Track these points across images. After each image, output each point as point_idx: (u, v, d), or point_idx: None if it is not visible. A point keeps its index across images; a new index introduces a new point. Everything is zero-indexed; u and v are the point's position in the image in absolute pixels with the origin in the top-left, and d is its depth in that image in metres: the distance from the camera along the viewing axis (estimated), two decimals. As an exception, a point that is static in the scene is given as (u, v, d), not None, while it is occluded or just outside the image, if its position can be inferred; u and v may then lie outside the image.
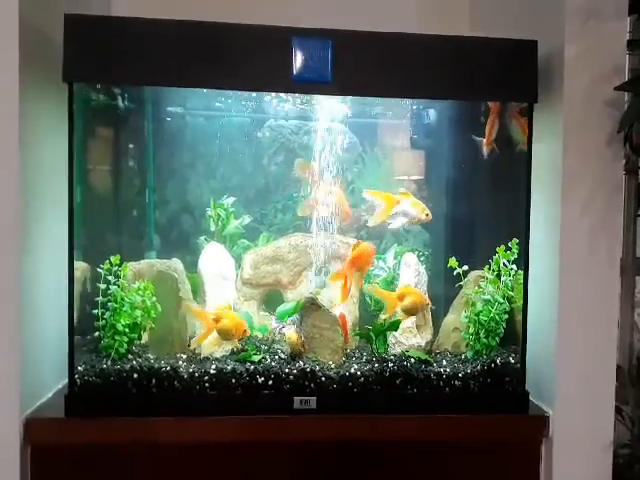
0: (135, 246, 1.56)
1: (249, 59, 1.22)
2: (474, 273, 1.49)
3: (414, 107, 1.53)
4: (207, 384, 1.29)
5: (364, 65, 1.25)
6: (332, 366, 1.35)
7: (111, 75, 1.23)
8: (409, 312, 1.41)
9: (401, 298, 1.41)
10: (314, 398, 1.31)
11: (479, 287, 1.44)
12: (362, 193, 1.52)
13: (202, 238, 1.53)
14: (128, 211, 1.59)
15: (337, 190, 1.52)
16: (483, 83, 1.31)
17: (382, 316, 1.43)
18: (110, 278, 1.32)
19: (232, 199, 1.56)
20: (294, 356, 1.37)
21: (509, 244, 1.40)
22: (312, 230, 1.54)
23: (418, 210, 1.48)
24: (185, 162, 1.59)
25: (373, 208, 1.51)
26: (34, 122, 1.27)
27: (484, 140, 1.48)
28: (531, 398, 1.40)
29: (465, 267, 1.44)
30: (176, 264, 1.47)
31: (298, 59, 1.22)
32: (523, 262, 1.37)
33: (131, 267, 1.42)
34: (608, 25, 1.29)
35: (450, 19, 1.63)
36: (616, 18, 1.30)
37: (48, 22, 1.27)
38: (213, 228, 1.55)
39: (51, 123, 1.33)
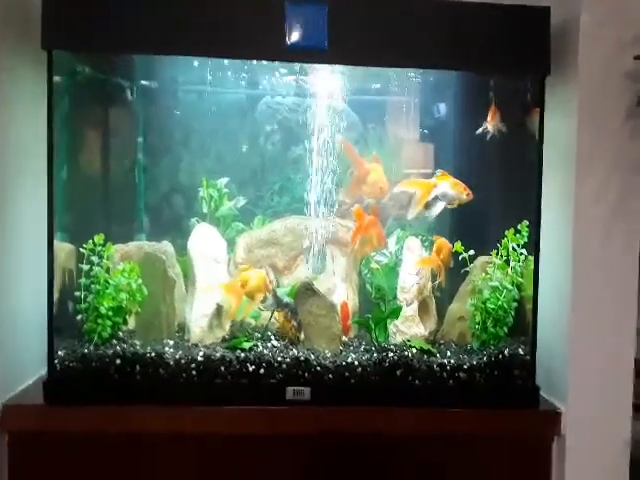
0: (123, 228, 1.49)
1: (241, 26, 1.14)
2: (481, 259, 1.40)
3: (418, 83, 1.43)
4: (194, 372, 1.22)
5: (362, 33, 1.17)
6: (328, 355, 1.27)
7: (93, 43, 1.16)
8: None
9: None
10: (308, 389, 1.23)
11: (486, 273, 1.35)
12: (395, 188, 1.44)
13: (194, 220, 1.45)
14: (115, 191, 1.52)
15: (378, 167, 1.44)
16: (490, 54, 1.23)
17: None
18: (93, 259, 1.25)
19: (225, 179, 1.48)
20: (285, 342, 1.29)
21: (518, 227, 1.31)
22: (308, 213, 1.47)
23: (458, 191, 1.38)
24: (176, 140, 1.52)
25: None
26: (11, 94, 1.20)
27: (488, 120, 1.40)
28: (542, 393, 1.31)
29: (471, 252, 1.35)
30: (166, 247, 1.40)
31: (292, 26, 1.14)
32: (534, 246, 1.28)
33: (118, 249, 1.36)
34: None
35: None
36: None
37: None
38: (205, 210, 1.47)
39: (30, 96, 1.26)
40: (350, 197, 1.48)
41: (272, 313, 1.35)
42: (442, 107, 1.53)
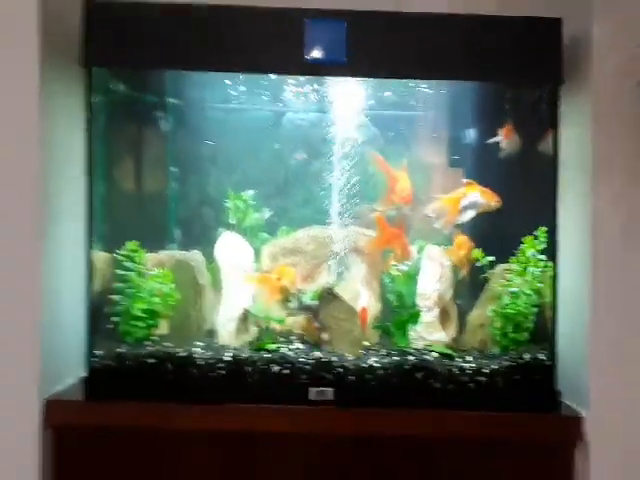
0: (156, 239, 1.56)
1: (262, 42, 1.22)
2: (501, 267, 1.43)
3: (433, 92, 1.49)
4: (222, 371, 1.27)
5: (379, 47, 1.23)
6: (350, 358, 1.31)
7: (128, 59, 1.25)
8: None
9: None
10: (331, 389, 1.27)
11: (506, 280, 1.38)
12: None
13: (220, 229, 1.52)
14: (148, 203, 1.61)
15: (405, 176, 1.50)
16: (504, 64, 1.27)
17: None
18: (128, 264, 1.33)
19: (251, 192, 1.55)
20: (308, 343, 1.34)
21: (536, 233, 1.33)
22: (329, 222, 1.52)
23: (487, 198, 1.43)
24: (205, 156, 1.60)
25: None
26: (51, 109, 1.30)
27: (502, 137, 1.45)
28: (564, 400, 1.32)
29: (491, 258, 1.38)
30: (195, 255, 1.47)
31: (312, 41, 1.21)
32: (552, 252, 1.31)
33: (150, 257, 1.43)
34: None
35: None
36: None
37: (66, 8, 1.29)
38: (232, 220, 1.53)
39: (67, 111, 1.35)
40: (384, 206, 1.53)
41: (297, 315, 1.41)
42: (460, 118, 1.57)
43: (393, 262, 1.48)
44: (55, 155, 1.31)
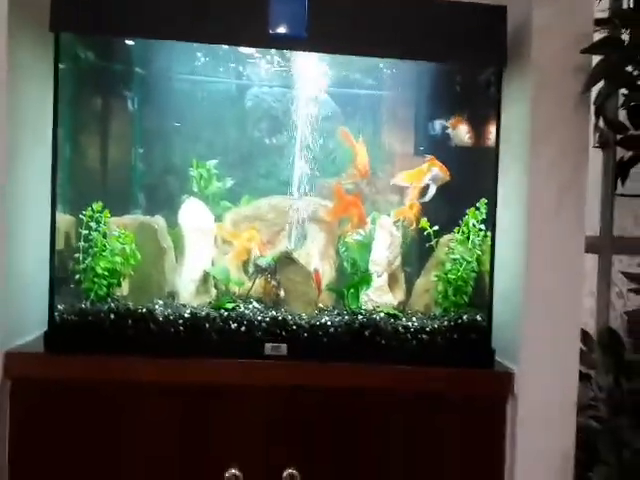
0: (120, 204, 1.61)
1: (227, 13, 1.28)
2: (446, 237, 1.54)
3: (392, 75, 1.58)
4: (181, 327, 1.34)
5: (338, 24, 1.31)
6: (304, 317, 1.40)
7: (92, 26, 1.29)
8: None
9: None
10: (285, 345, 1.36)
11: (449, 248, 1.49)
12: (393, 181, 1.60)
13: (184, 197, 1.58)
14: (113, 169, 1.65)
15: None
16: (455, 47, 1.36)
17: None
18: (92, 224, 1.38)
19: (214, 161, 1.61)
20: (265, 304, 1.43)
21: (477, 204, 1.44)
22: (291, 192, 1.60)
23: (444, 172, 1.54)
24: (170, 125, 1.65)
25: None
26: (20, 69, 1.33)
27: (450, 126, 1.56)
28: (498, 358, 1.44)
29: (435, 227, 1.49)
30: (158, 220, 1.53)
31: (275, 15, 1.28)
32: (492, 221, 1.42)
33: (114, 221, 1.48)
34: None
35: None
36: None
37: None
38: (196, 188, 1.60)
39: (37, 71, 1.39)
40: (350, 178, 1.62)
41: (254, 281, 1.49)
42: (412, 97, 1.67)
43: (349, 230, 1.58)
44: (23, 118, 1.35)
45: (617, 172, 1.67)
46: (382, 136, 1.69)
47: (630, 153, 1.56)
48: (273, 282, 1.44)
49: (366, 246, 1.58)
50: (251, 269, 1.48)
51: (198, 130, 1.66)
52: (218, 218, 1.58)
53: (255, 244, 1.51)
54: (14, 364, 1.30)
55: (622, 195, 1.91)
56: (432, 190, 1.56)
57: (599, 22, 1.39)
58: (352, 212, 1.57)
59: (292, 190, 1.61)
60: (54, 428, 1.34)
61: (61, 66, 1.32)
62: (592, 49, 1.28)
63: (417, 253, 1.60)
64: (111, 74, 1.58)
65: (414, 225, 1.55)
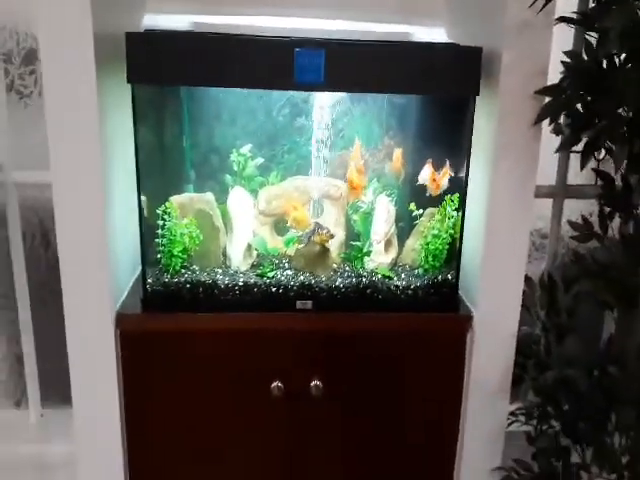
0: (178, 183, 2.06)
1: (263, 66, 1.65)
2: (429, 210, 2.02)
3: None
4: (237, 291, 1.89)
5: (346, 70, 1.68)
6: (323, 279, 1.93)
7: (159, 78, 1.68)
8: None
9: None
10: (310, 302, 1.91)
11: (430, 222, 1.98)
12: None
13: (227, 176, 2.03)
14: (172, 159, 2.08)
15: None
16: (438, 80, 1.73)
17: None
18: (166, 217, 1.86)
19: (249, 146, 2.03)
20: (296, 270, 1.96)
21: (452, 197, 1.91)
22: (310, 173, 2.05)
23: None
24: (219, 120, 2.05)
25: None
26: (111, 106, 1.74)
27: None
28: (464, 303, 2.00)
29: (420, 211, 1.98)
30: (209, 196, 2.00)
31: (300, 66, 1.65)
32: (462, 209, 1.90)
33: (174, 199, 1.94)
34: (536, 36, 1.69)
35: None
36: (543, 30, 1.69)
37: (118, 30, 1.66)
38: (235, 168, 2.04)
39: (121, 105, 1.79)
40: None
41: (309, 238, 1.94)
42: (406, 118, 2.05)
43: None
44: (111, 134, 1.76)
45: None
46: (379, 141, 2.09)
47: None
48: (329, 233, 1.91)
49: (368, 215, 2.07)
50: (309, 229, 1.93)
51: (237, 123, 2.06)
52: (254, 192, 2.05)
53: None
54: (122, 321, 1.83)
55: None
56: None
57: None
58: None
59: (311, 172, 2.06)
60: (152, 367, 1.83)
61: (137, 103, 1.69)
62: (543, 91, 1.67)
63: (406, 225, 2.10)
64: (174, 99, 1.98)
65: (400, 174, 1.98)
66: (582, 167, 1.60)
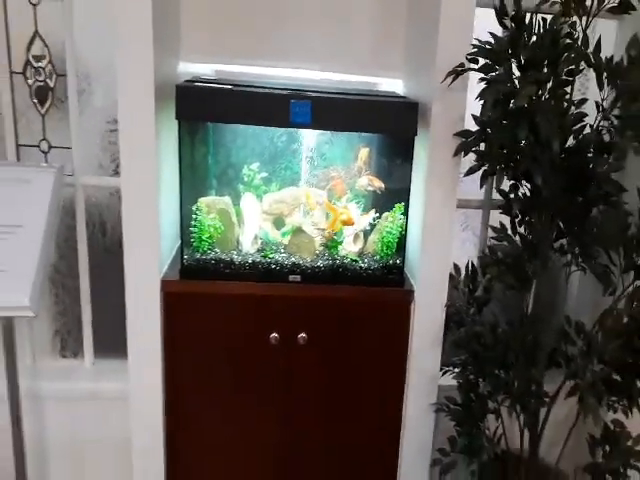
0: (204, 189, 2.85)
1: (268, 110, 2.46)
2: (385, 214, 2.81)
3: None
4: (247, 267, 2.66)
5: (326, 114, 2.48)
6: (309, 260, 2.71)
7: (198, 116, 2.48)
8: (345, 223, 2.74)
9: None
10: (299, 276, 2.68)
11: (385, 224, 2.76)
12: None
13: (240, 185, 2.81)
14: (199, 170, 2.86)
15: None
16: (389, 124, 2.53)
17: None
18: (198, 212, 2.64)
19: (257, 164, 2.82)
20: (290, 253, 2.74)
21: (400, 204, 2.70)
22: (300, 184, 2.85)
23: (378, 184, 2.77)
24: (235, 145, 2.84)
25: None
26: (162, 132, 2.53)
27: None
28: (408, 281, 2.79)
29: (377, 215, 2.77)
30: (227, 199, 2.78)
31: (294, 112, 2.44)
32: (406, 212, 2.69)
33: (202, 200, 2.72)
34: (456, 94, 2.50)
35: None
36: (461, 91, 2.48)
37: (166, 77, 2.47)
38: (246, 179, 2.82)
39: (169, 132, 2.59)
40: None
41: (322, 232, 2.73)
42: (371, 149, 2.85)
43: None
44: (163, 152, 2.57)
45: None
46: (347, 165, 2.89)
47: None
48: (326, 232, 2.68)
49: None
50: (316, 227, 2.71)
51: (247, 146, 2.86)
52: (259, 197, 2.84)
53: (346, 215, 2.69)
54: (165, 285, 2.59)
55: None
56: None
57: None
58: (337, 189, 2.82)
59: (301, 184, 2.85)
60: (188, 319, 2.46)
61: (182, 135, 2.49)
62: (460, 134, 2.46)
63: (369, 225, 2.89)
64: (205, 131, 2.77)
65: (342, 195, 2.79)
66: (481, 186, 2.39)
